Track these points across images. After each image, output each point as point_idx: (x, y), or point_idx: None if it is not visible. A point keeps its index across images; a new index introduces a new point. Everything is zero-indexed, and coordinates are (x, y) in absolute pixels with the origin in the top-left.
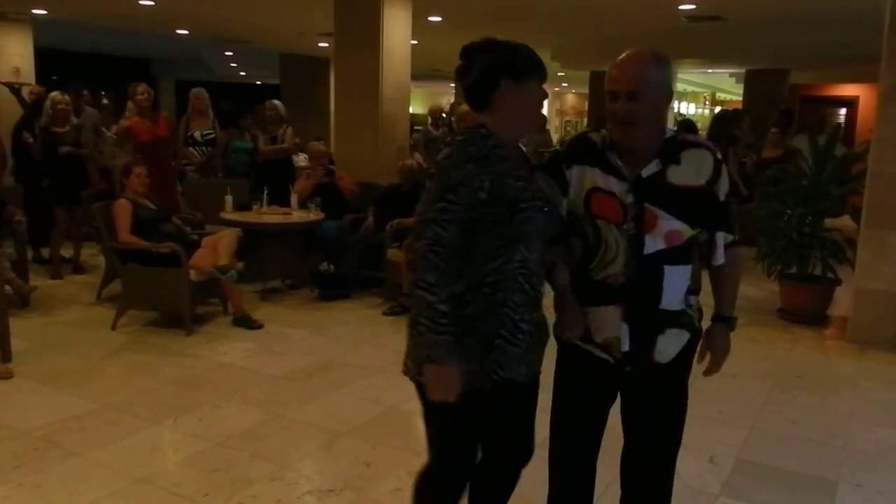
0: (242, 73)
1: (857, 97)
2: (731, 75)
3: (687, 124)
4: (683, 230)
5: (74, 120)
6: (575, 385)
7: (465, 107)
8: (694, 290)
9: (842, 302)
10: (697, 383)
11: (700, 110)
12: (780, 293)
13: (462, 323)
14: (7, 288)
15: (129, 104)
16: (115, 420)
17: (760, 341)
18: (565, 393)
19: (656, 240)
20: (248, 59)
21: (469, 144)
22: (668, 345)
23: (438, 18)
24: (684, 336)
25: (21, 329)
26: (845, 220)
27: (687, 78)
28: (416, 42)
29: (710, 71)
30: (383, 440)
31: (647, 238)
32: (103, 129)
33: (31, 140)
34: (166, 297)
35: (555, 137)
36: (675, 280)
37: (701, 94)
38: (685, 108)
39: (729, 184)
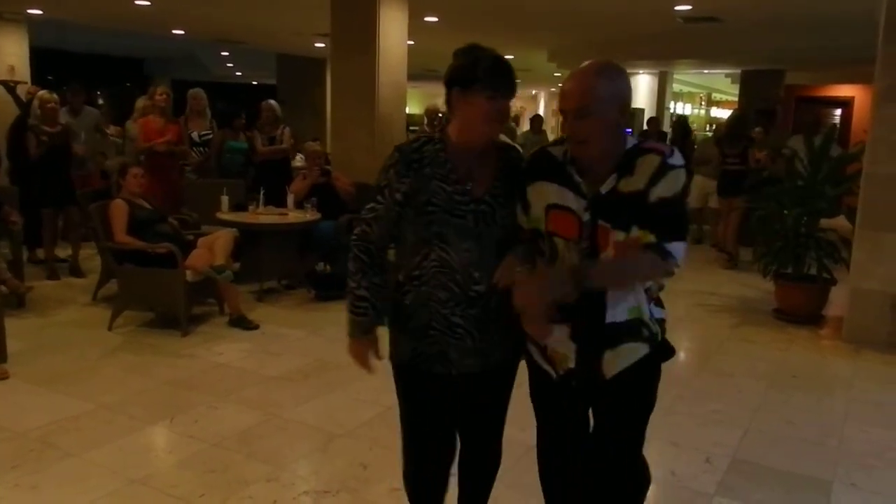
0: (238, 74)
1: (853, 98)
2: (727, 76)
3: (681, 122)
4: (642, 236)
5: (64, 120)
6: (535, 394)
7: None
8: (655, 299)
9: (837, 302)
10: (692, 384)
11: (696, 111)
12: (776, 293)
13: (404, 310)
14: (2, 288)
15: (138, 104)
16: (111, 421)
17: (756, 341)
18: (532, 400)
19: (608, 255)
20: (245, 59)
21: (404, 148)
22: (619, 358)
23: (435, 19)
24: (641, 350)
25: (17, 329)
26: (840, 221)
27: (683, 79)
28: (412, 42)
29: (705, 72)
30: (380, 441)
31: (601, 256)
32: (105, 130)
33: (35, 142)
34: (162, 297)
35: (551, 137)
36: (624, 292)
37: (697, 94)
38: (681, 108)
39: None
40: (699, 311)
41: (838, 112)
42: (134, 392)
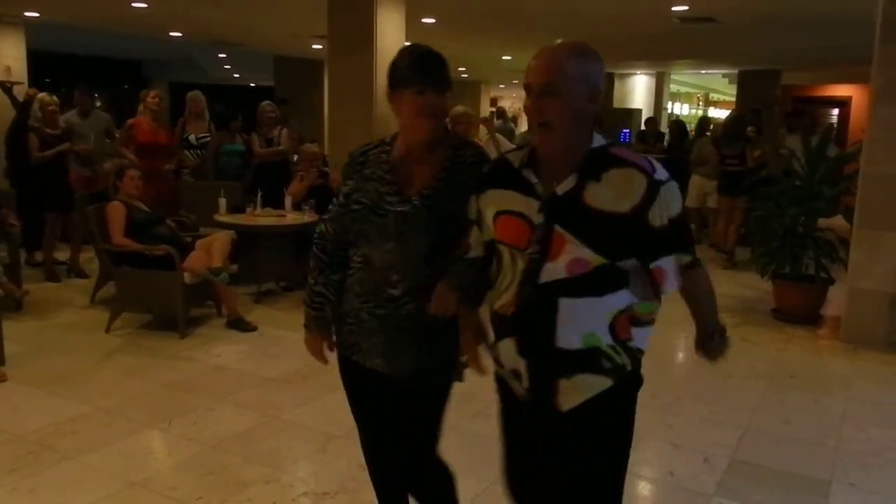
0: (236, 75)
1: (850, 97)
2: (724, 76)
3: (678, 125)
4: (591, 259)
5: (63, 122)
6: (500, 415)
7: (459, 108)
8: (624, 328)
9: (835, 301)
10: (691, 384)
11: (693, 111)
12: (774, 293)
13: (341, 299)
14: None
15: (141, 107)
16: (109, 423)
17: (754, 341)
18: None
19: (558, 267)
20: (242, 61)
21: (354, 152)
22: (576, 391)
23: (432, 20)
24: (601, 383)
25: (15, 332)
26: (838, 220)
27: (680, 79)
28: (409, 44)
29: (703, 72)
30: None
31: (549, 265)
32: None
33: (38, 143)
34: (160, 299)
35: None
36: (577, 315)
37: (694, 94)
38: (678, 108)
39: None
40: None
41: (836, 112)
42: (132, 395)
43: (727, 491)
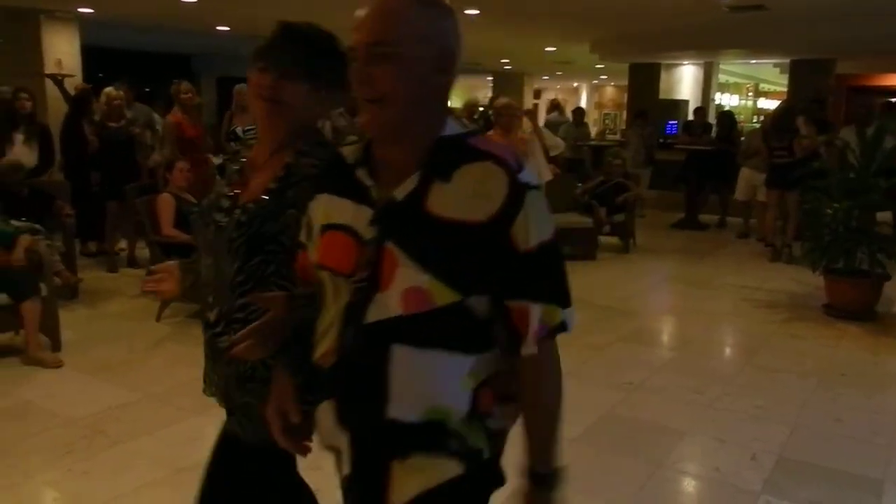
0: None
1: None
2: (775, 66)
3: (727, 116)
4: (433, 290)
5: (129, 114)
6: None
7: (503, 100)
8: (486, 399)
9: (892, 297)
10: (736, 379)
11: (743, 102)
12: (826, 288)
13: None
14: (56, 280)
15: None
16: (158, 410)
17: (804, 337)
18: None
19: (390, 300)
20: None
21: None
22: (411, 477)
23: (475, 12)
24: (447, 469)
25: (70, 320)
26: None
27: (729, 69)
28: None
29: (752, 62)
30: None
31: (379, 297)
32: (157, 127)
33: (93, 137)
34: None
35: (593, 131)
36: (419, 373)
37: (744, 85)
38: (727, 99)
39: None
40: (745, 305)
41: (894, 101)
42: (181, 382)
43: (775, 488)
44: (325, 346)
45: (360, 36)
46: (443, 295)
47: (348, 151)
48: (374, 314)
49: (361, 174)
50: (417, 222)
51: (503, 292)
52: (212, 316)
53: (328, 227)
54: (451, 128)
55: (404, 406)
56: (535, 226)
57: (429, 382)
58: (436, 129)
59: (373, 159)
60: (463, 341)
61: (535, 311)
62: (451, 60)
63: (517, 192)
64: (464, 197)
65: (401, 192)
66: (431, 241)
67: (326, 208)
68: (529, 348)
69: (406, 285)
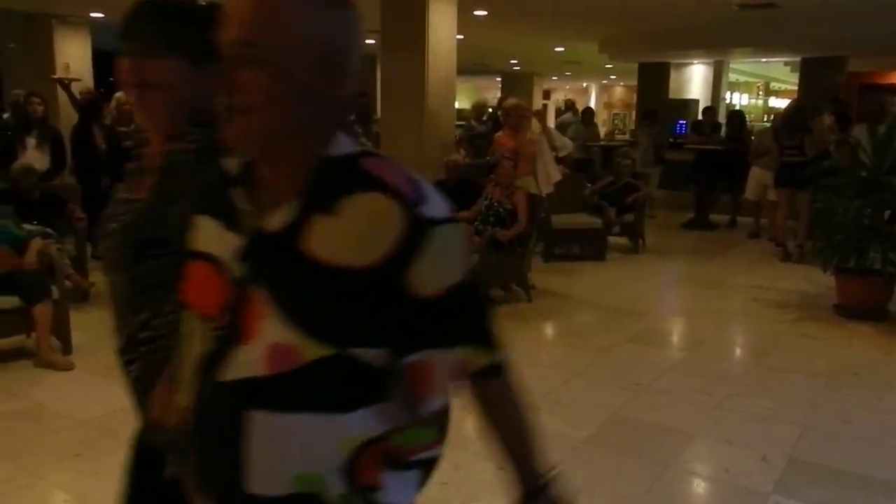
0: None
1: None
2: (786, 64)
3: (737, 115)
4: (300, 346)
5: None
6: None
7: (512, 100)
8: (369, 469)
9: None
10: (745, 380)
11: (753, 101)
12: (837, 288)
13: None
14: (67, 284)
15: None
16: None
17: (814, 337)
18: None
19: (251, 356)
20: None
21: None
22: None
23: (484, 13)
24: None
25: (80, 323)
26: None
27: (739, 68)
28: (461, 37)
29: (763, 60)
30: None
31: (240, 351)
32: None
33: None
34: None
35: (603, 131)
36: (283, 442)
37: (754, 84)
38: (738, 98)
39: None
40: (756, 305)
41: None
42: None
43: (785, 490)
44: (183, 401)
45: (225, 33)
46: (312, 350)
47: (231, 162)
48: (231, 371)
49: (236, 194)
50: (290, 264)
51: (399, 345)
52: (120, 341)
53: (192, 255)
54: (344, 145)
55: (265, 479)
56: (440, 268)
57: (298, 451)
58: (320, 147)
59: (253, 178)
60: (341, 398)
61: (446, 360)
62: (341, 64)
63: (414, 230)
64: (351, 236)
65: (272, 224)
66: (306, 288)
67: (196, 230)
68: (431, 407)
69: (272, 340)
